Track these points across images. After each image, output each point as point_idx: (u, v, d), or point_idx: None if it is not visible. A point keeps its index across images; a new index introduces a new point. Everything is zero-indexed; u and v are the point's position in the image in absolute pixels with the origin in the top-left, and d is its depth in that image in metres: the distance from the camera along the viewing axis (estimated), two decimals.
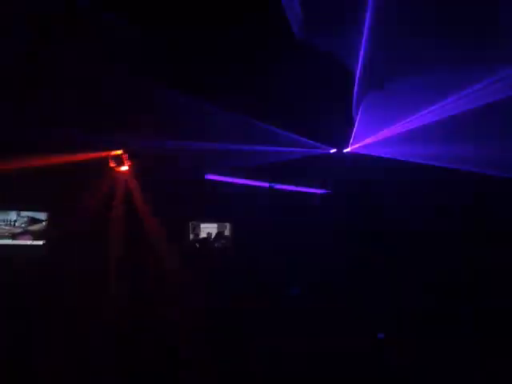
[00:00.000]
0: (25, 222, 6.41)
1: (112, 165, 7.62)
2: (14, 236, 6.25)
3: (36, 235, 6.45)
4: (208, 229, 8.61)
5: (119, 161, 7.68)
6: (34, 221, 6.50)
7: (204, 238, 8.50)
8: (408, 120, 7.70)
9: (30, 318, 5.36)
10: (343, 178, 10.48)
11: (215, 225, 8.73)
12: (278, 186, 10.18)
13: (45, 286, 5.83)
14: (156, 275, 7.15)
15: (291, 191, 10.42)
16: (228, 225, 8.87)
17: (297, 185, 10.55)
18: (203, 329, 5.70)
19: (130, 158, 7.81)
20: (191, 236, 8.32)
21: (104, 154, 7.60)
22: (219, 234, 8.68)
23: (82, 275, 6.22)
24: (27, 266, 6.02)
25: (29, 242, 6.31)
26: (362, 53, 6.23)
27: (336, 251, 9.22)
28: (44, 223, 6.57)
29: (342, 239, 9.68)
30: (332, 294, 7.52)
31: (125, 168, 7.76)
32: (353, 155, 9.96)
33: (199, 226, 8.52)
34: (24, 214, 6.45)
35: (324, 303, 6.95)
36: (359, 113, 8.36)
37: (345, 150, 9.95)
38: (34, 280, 5.87)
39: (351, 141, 9.90)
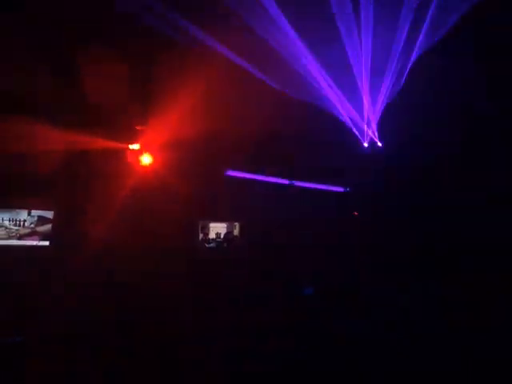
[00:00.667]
0: (34, 222, 6.30)
1: (130, 159, 7.25)
2: (20, 237, 6.16)
3: (43, 235, 6.36)
4: (217, 228, 8.45)
5: (138, 155, 7.29)
6: (42, 220, 6.37)
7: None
8: None
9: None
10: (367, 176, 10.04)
11: (224, 224, 8.56)
12: (298, 184, 9.83)
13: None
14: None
15: (310, 189, 10.06)
16: (237, 224, 8.69)
17: (316, 182, 10.16)
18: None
19: (150, 152, 7.42)
20: (200, 235, 8.20)
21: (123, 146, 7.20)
22: (228, 233, 8.56)
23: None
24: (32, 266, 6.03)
25: (35, 243, 6.25)
26: None
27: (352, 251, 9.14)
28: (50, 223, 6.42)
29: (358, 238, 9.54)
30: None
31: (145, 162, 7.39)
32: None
33: (208, 225, 8.36)
34: (34, 213, 6.30)
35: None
36: None
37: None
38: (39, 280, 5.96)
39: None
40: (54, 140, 6.07)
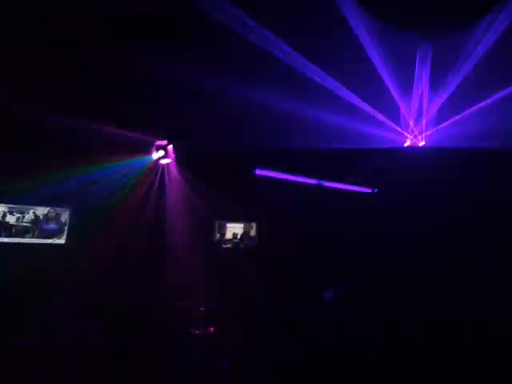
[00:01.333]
0: (51, 220, 6.11)
1: (155, 156, 6.84)
2: (36, 234, 6.02)
3: (59, 234, 6.21)
4: (234, 229, 8.22)
5: (163, 152, 6.86)
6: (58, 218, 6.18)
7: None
8: None
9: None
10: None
11: (241, 225, 8.31)
12: (326, 184, 9.35)
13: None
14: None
15: (336, 189, 9.59)
16: (254, 225, 8.43)
17: (345, 182, 9.66)
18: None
19: (175, 149, 6.97)
20: (217, 236, 7.99)
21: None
22: (245, 234, 8.34)
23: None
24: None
25: (50, 241, 6.11)
26: None
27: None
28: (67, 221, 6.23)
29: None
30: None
31: (167, 160, 6.98)
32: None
33: (225, 225, 8.11)
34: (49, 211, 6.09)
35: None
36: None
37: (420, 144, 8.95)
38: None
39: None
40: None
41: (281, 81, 6.49)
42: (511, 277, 6.81)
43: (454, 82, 7.43)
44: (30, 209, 5.97)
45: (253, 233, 8.45)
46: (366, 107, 8.05)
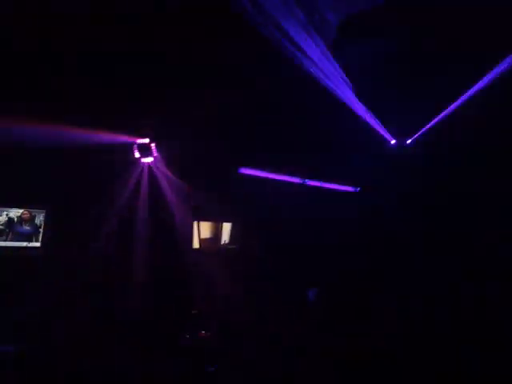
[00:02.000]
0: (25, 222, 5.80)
1: (137, 155, 6.56)
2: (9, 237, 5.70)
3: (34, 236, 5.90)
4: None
5: (145, 151, 6.60)
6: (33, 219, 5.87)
7: None
8: None
9: None
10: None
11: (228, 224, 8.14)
12: (310, 182, 9.25)
13: None
14: None
15: (321, 187, 9.51)
16: (239, 224, 8.28)
17: (329, 181, 9.59)
18: None
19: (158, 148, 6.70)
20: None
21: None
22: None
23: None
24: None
25: (24, 244, 5.80)
26: None
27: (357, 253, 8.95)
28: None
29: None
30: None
31: (150, 159, 6.71)
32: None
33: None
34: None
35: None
36: None
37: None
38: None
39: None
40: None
41: None
42: None
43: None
44: (2, 211, 5.64)
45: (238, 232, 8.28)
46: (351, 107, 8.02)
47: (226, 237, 8.21)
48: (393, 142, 9.10)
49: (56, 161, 5.80)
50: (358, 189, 10.46)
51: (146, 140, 6.55)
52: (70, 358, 4.75)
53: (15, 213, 5.74)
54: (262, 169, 8.24)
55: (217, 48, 5.21)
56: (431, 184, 8.82)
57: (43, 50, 4.69)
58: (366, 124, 8.61)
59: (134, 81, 5.37)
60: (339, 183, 9.92)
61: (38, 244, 5.95)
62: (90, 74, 5.19)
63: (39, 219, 5.95)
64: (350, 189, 10.27)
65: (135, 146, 6.49)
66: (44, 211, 5.97)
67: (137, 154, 6.53)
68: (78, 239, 6.13)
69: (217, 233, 8.08)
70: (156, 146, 6.64)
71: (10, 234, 5.70)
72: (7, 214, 5.67)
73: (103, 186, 6.32)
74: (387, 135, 9.02)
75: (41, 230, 5.96)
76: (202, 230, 7.91)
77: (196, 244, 7.75)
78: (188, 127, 6.52)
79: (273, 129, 7.54)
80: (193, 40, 5.05)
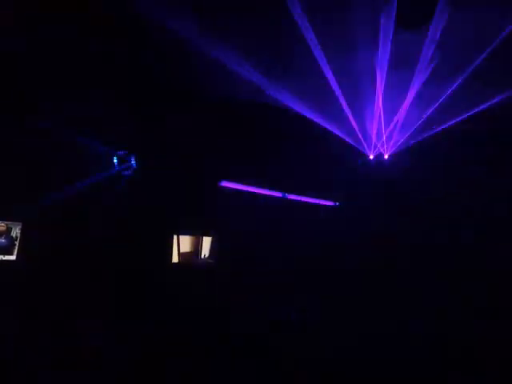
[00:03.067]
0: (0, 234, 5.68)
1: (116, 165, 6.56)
2: None
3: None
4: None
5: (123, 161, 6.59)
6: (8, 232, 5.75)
7: None
8: None
9: None
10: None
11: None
12: (290, 197, 9.34)
13: None
14: None
15: (300, 202, 9.60)
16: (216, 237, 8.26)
17: (310, 196, 9.70)
18: None
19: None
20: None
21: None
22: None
23: None
24: None
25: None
26: None
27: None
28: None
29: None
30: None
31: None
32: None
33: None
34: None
35: None
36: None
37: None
38: None
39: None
40: None
41: None
42: None
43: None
44: None
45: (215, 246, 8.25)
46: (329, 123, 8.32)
47: (206, 251, 8.17)
48: (371, 156, 9.40)
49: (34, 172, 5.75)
50: (338, 203, 10.60)
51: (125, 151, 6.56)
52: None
53: None
54: (243, 183, 8.31)
55: None
56: (408, 197, 9.08)
57: None
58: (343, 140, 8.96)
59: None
60: (319, 197, 10.03)
61: (13, 257, 5.81)
62: None
63: (15, 231, 5.84)
64: (329, 203, 10.39)
65: (115, 157, 6.49)
66: (20, 223, 5.86)
67: (116, 166, 6.52)
68: (54, 253, 6.01)
69: (197, 247, 8.04)
70: (135, 157, 6.66)
71: None
72: None
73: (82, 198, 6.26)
74: (365, 150, 9.35)
75: (16, 242, 5.84)
76: (182, 244, 7.85)
77: (176, 258, 7.68)
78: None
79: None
80: None
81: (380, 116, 8.52)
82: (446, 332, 5.92)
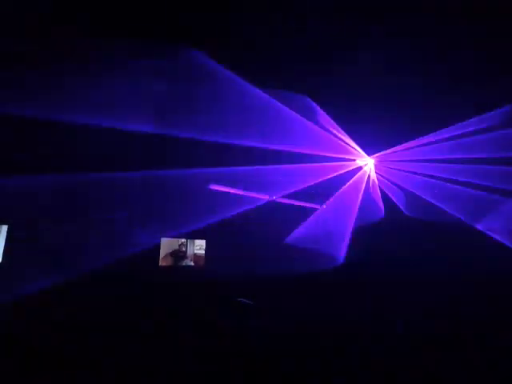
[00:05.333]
0: None
1: None
2: None
3: None
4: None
5: None
6: None
7: None
8: None
9: None
10: None
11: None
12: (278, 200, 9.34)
13: None
14: None
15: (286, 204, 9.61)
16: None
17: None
18: None
19: None
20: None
21: None
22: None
23: None
24: None
25: None
26: None
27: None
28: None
29: None
30: None
31: None
32: None
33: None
34: None
35: None
36: None
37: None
38: None
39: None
40: None
41: None
42: None
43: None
44: None
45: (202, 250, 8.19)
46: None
47: (191, 253, 8.12)
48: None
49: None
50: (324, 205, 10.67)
51: None
52: None
53: None
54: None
55: None
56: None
57: None
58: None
59: None
60: (305, 200, 10.08)
61: None
62: None
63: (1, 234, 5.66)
64: (316, 206, 10.45)
65: None
66: (7, 226, 5.68)
67: None
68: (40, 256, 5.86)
69: (184, 250, 7.98)
70: None
71: None
72: None
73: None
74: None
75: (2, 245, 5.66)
76: (168, 247, 7.79)
77: (161, 261, 7.62)
78: None
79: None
80: None
81: None
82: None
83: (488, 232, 9.04)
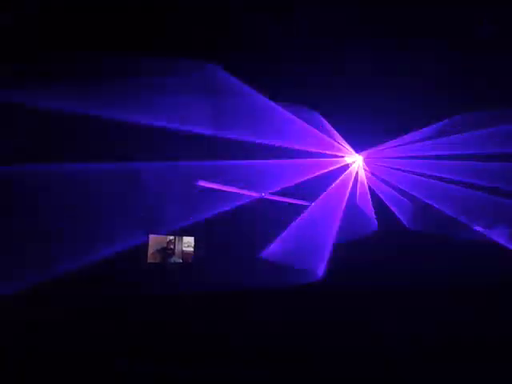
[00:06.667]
0: None
1: None
2: None
3: None
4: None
5: None
6: None
7: None
8: None
9: None
10: None
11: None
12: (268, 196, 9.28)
13: None
14: None
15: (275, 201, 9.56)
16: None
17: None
18: None
19: None
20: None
21: None
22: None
23: None
24: None
25: None
26: None
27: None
28: None
29: None
30: None
31: None
32: None
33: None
34: None
35: None
36: None
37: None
38: None
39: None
40: None
41: None
42: None
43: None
44: None
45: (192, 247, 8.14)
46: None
47: (179, 251, 8.07)
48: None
49: None
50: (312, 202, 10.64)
51: None
52: None
53: None
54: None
55: None
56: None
57: None
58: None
59: None
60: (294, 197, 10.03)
61: None
62: None
63: None
64: (304, 203, 10.41)
65: None
66: None
67: None
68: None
69: (172, 247, 7.94)
70: None
71: None
72: None
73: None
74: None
75: None
76: (156, 244, 7.75)
77: (150, 258, 7.58)
78: None
79: None
80: None
81: None
82: None
83: (479, 230, 9.04)
